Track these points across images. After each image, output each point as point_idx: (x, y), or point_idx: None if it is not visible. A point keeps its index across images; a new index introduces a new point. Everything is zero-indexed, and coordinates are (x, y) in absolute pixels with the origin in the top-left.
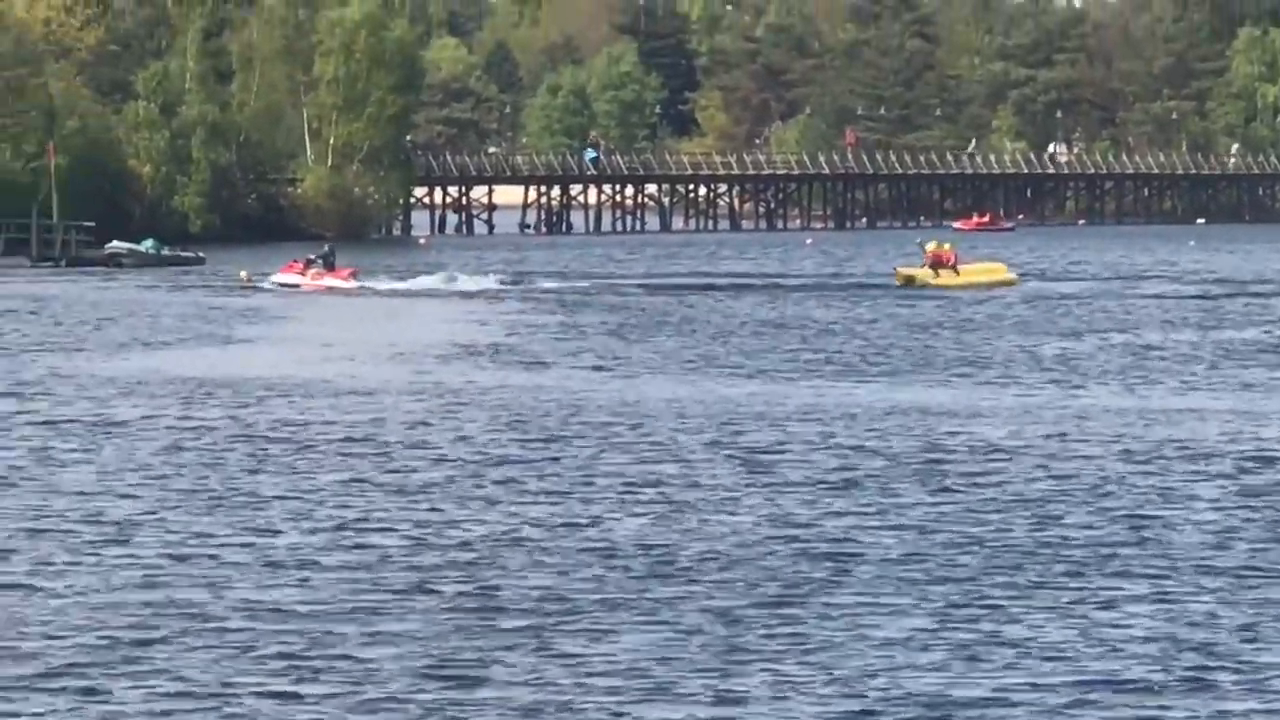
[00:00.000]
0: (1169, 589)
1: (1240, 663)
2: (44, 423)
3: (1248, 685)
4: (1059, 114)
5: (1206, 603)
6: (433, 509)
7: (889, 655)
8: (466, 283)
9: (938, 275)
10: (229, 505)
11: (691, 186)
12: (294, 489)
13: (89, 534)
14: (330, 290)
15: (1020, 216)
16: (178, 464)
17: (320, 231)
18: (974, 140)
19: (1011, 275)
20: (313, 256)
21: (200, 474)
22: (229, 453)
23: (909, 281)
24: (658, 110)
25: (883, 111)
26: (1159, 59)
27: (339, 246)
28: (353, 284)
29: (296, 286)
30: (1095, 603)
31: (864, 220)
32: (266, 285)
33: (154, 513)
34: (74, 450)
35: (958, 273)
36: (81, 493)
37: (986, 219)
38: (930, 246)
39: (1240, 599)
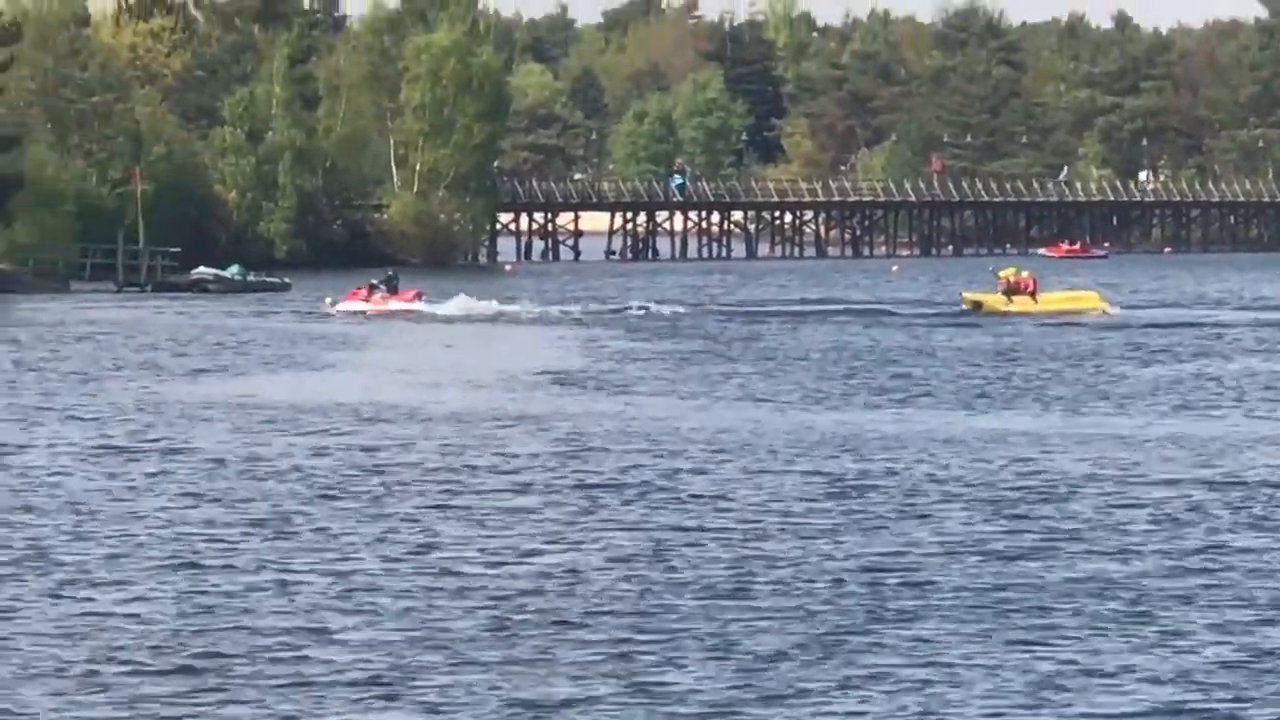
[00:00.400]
0: (1243, 620)
1: None
2: (125, 448)
3: None
4: (1145, 142)
5: None
6: (512, 535)
7: (960, 687)
8: (653, 309)
9: (1010, 301)
10: (307, 530)
11: (777, 213)
12: (374, 514)
13: (166, 559)
14: (394, 314)
15: (1107, 244)
16: (256, 489)
17: (406, 258)
18: (1065, 167)
19: (1105, 305)
20: (375, 282)
21: (278, 499)
22: (306, 478)
23: (976, 307)
24: (744, 137)
25: (968, 139)
26: (1245, 86)
27: (425, 273)
28: (418, 305)
29: (362, 313)
30: (1169, 632)
31: (950, 248)
32: (333, 312)
33: (233, 538)
34: (154, 475)
35: (1035, 300)
36: (161, 517)
37: (1077, 246)
38: (1006, 273)
39: None
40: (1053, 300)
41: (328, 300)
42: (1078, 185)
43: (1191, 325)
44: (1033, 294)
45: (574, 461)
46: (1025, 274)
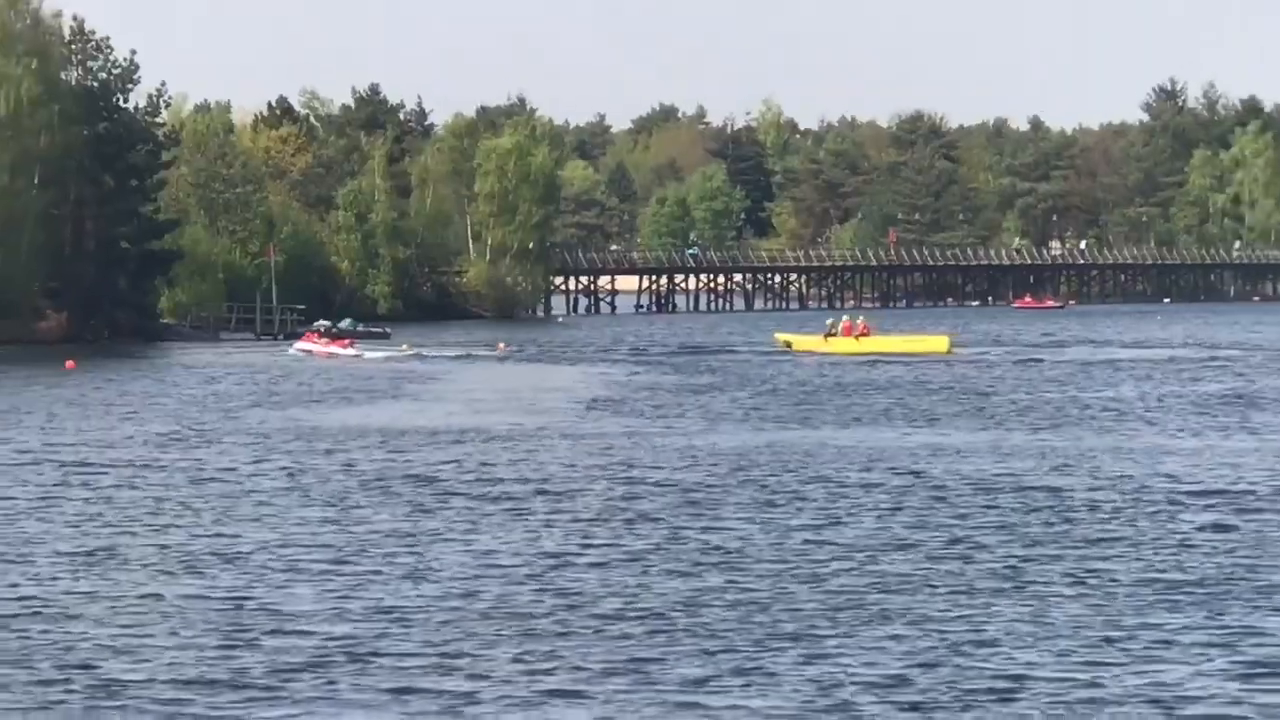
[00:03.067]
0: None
1: None
2: (253, 461)
3: None
4: (1054, 217)
5: None
6: (569, 543)
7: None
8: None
9: (826, 342)
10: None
11: (769, 275)
12: (455, 521)
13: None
14: (336, 356)
15: (1065, 299)
16: (363, 497)
17: (480, 312)
18: (1020, 238)
19: (950, 347)
20: (322, 330)
21: (368, 505)
22: (387, 478)
23: (788, 345)
24: (742, 216)
25: (917, 216)
26: (1132, 174)
27: (495, 325)
28: (351, 351)
29: (309, 352)
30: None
31: (904, 301)
32: (292, 351)
33: (340, 544)
34: (278, 486)
35: (858, 341)
36: (292, 517)
37: (1040, 300)
38: (843, 321)
39: None
40: (887, 342)
41: (405, 346)
42: (1001, 251)
43: (1026, 361)
44: (860, 337)
45: (613, 473)
46: (860, 321)
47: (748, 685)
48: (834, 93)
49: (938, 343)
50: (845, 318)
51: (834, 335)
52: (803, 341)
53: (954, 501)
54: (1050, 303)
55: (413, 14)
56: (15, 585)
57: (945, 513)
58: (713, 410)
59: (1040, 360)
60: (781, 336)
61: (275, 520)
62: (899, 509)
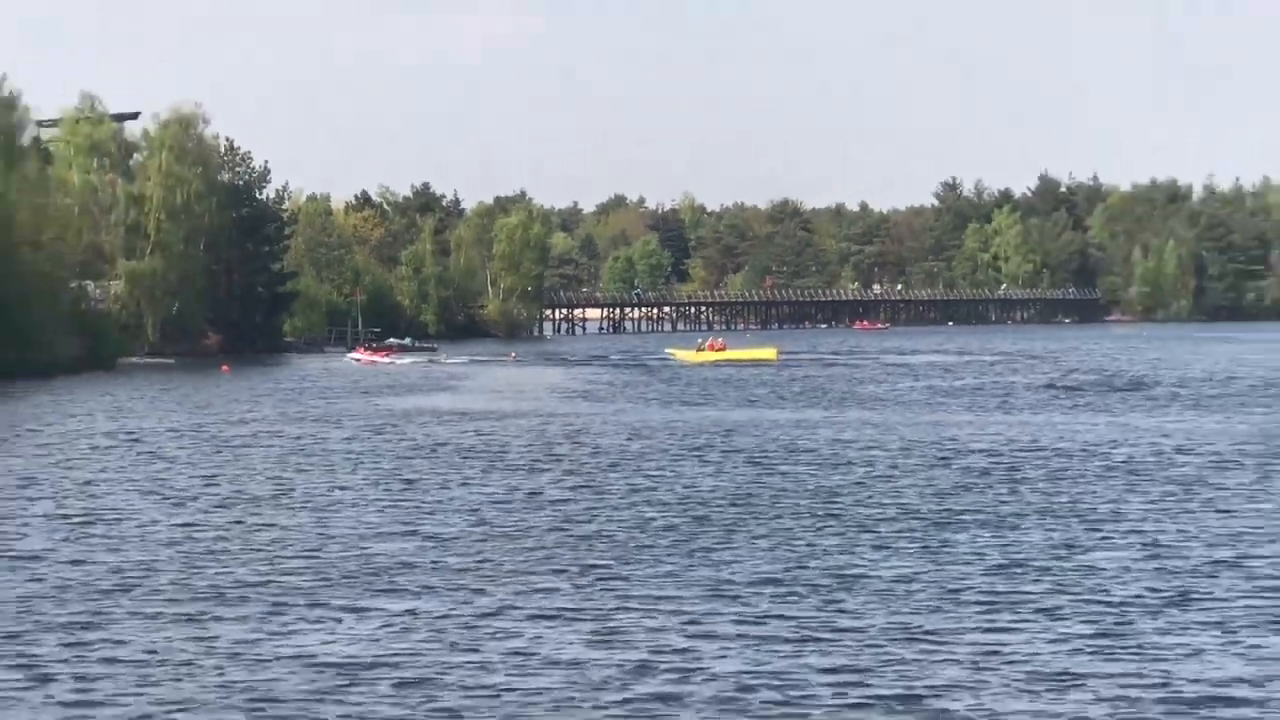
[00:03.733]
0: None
1: None
2: (347, 438)
3: None
4: (875, 269)
5: None
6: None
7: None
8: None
9: (697, 353)
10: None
11: (687, 308)
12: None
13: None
14: (373, 363)
15: (887, 324)
16: (427, 463)
17: (496, 334)
18: (853, 283)
19: (775, 356)
20: (366, 344)
21: (423, 468)
22: (445, 445)
23: (674, 356)
24: (669, 269)
25: (785, 269)
26: (927, 239)
27: (505, 342)
28: (390, 358)
29: (357, 359)
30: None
31: (776, 325)
32: (347, 359)
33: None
34: (360, 442)
35: (714, 352)
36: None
37: (871, 323)
38: (709, 341)
39: None
40: (734, 353)
41: (441, 357)
42: (839, 292)
43: (830, 364)
44: (718, 349)
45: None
46: (719, 341)
47: (624, 573)
48: (729, 186)
49: (768, 353)
50: (711, 338)
51: (702, 349)
52: (682, 354)
53: (761, 453)
54: (878, 325)
55: (451, 138)
56: (232, 487)
57: (756, 459)
58: (641, 395)
59: (838, 364)
60: (670, 350)
61: (359, 465)
62: (730, 454)
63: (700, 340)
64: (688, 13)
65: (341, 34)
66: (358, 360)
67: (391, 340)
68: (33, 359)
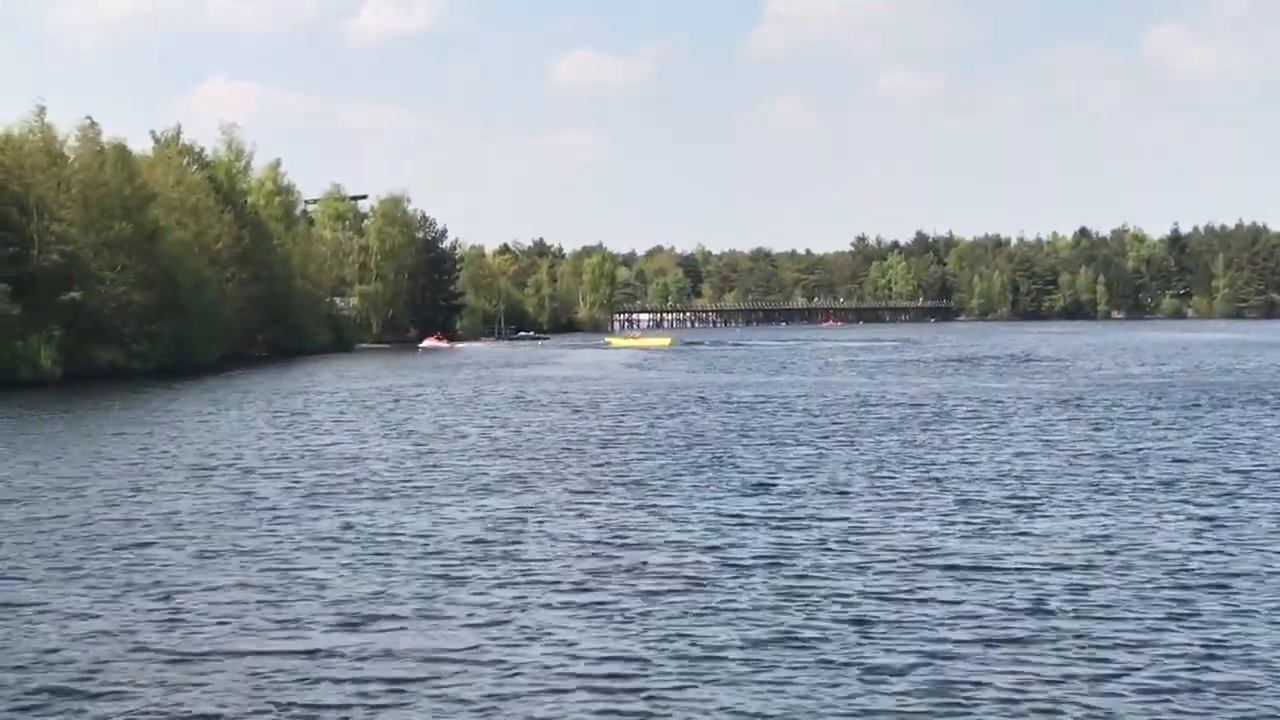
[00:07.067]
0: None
1: None
2: (471, 395)
3: None
4: (816, 289)
5: None
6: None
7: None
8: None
9: (623, 339)
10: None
11: (701, 314)
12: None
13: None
14: (434, 348)
15: (841, 322)
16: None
17: (586, 330)
18: (804, 298)
19: (669, 343)
20: (439, 334)
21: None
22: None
23: (609, 343)
24: (689, 290)
25: (760, 290)
26: (847, 271)
27: (591, 334)
28: (453, 344)
29: (432, 346)
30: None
31: (755, 324)
32: (423, 345)
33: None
34: (478, 420)
35: (632, 340)
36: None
37: (836, 322)
38: (635, 332)
39: None
40: (644, 340)
41: (541, 342)
42: (795, 303)
43: (736, 345)
44: (637, 339)
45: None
46: (637, 333)
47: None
48: (726, 237)
49: (663, 340)
50: (636, 331)
51: (626, 338)
52: (615, 340)
53: (668, 401)
54: (839, 324)
55: (561, 210)
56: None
57: (671, 408)
58: (685, 366)
59: (739, 346)
60: (608, 339)
61: (489, 412)
62: (652, 406)
63: (632, 332)
64: (705, 122)
65: (496, 143)
66: (431, 347)
67: (521, 331)
68: (304, 345)
